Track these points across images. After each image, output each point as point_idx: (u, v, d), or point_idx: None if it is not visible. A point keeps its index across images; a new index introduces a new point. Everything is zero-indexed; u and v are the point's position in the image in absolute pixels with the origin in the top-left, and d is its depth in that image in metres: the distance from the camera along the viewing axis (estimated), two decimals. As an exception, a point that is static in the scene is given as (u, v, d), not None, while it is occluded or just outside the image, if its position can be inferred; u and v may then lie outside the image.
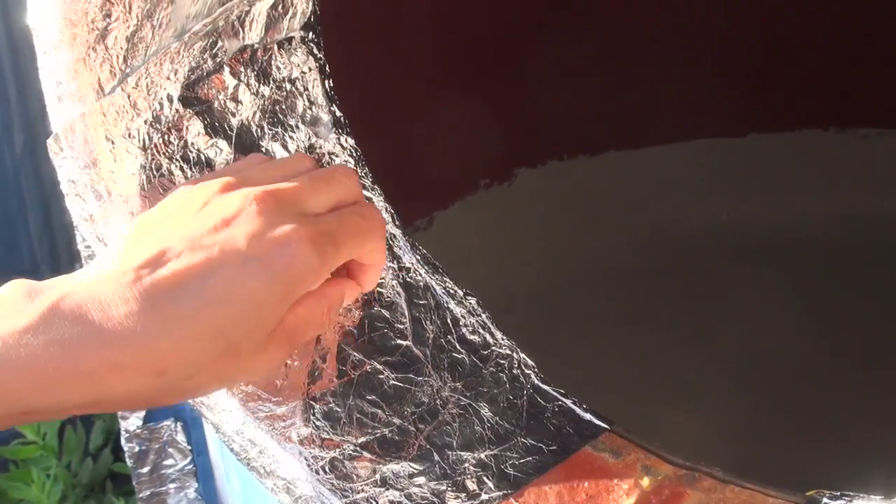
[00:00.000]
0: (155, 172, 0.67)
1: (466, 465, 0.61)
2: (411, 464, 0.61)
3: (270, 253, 0.55)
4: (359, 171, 0.69)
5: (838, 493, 0.58)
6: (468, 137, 1.26)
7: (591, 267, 1.36)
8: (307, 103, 0.69)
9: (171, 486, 0.98)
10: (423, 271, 0.66)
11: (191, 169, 0.67)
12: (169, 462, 0.97)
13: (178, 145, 0.67)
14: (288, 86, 0.68)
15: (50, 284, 0.53)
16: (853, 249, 1.38)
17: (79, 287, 0.53)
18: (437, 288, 0.66)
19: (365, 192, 0.68)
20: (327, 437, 0.62)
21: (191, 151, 0.67)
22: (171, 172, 0.67)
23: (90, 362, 0.51)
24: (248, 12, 0.67)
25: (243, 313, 0.54)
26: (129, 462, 0.96)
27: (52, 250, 1.60)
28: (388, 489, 0.60)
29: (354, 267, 0.62)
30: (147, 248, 0.55)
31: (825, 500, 0.58)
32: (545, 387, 0.64)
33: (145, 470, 0.97)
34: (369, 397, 0.64)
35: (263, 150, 0.68)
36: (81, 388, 0.52)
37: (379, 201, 0.68)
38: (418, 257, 0.66)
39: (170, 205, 0.58)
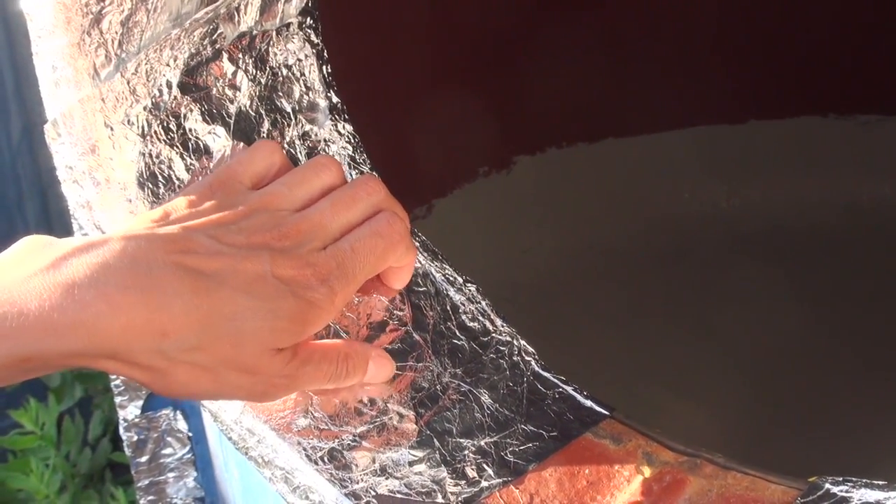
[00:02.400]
0: (154, 159, 0.66)
1: (466, 452, 0.61)
2: (411, 451, 0.61)
3: (290, 277, 0.56)
4: (357, 157, 0.68)
5: (840, 479, 0.57)
6: (467, 125, 1.26)
7: (591, 254, 1.36)
8: (304, 89, 0.68)
9: (170, 475, 0.97)
10: (422, 258, 0.66)
11: (190, 156, 0.66)
12: (168, 451, 0.96)
13: (177, 132, 0.67)
14: (285, 71, 0.68)
15: (66, 239, 0.53)
16: (853, 236, 1.37)
17: (100, 239, 0.53)
18: (437, 275, 0.66)
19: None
20: (326, 427, 0.62)
21: (189, 138, 0.67)
22: (170, 159, 0.66)
23: (98, 305, 0.51)
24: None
25: (258, 312, 0.55)
26: (127, 451, 0.96)
27: (50, 239, 1.59)
28: (387, 478, 0.60)
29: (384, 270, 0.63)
30: (175, 231, 0.55)
31: (827, 485, 0.57)
32: (545, 373, 0.63)
33: (144, 459, 0.96)
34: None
35: (262, 136, 0.68)
36: (83, 335, 0.51)
37: (377, 187, 0.67)
38: (417, 244, 0.66)
39: (197, 203, 0.58)
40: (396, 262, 0.62)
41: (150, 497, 0.98)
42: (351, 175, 0.68)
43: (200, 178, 0.66)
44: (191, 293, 0.53)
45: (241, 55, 0.67)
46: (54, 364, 0.52)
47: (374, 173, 0.68)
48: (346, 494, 0.60)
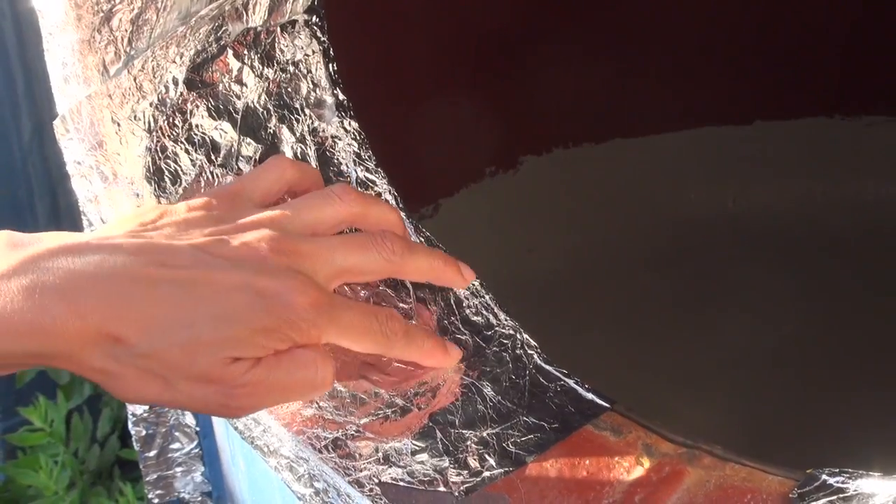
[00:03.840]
0: (160, 154, 0.67)
1: (468, 442, 0.61)
2: (413, 441, 0.61)
3: (267, 290, 0.55)
4: (363, 154, 0.69)
5: (837, 471, 0.58)
6: (474, 124, 1.26)
7: (597, 254, 1.36)
8: (311, 86, 0.69)
9: (178, 469, 0.98)
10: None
11: (196, 151, 0.67)
12: (175, 446, 0.97)
13: (183, 128, 0.67)
14: (292, 68, 0.69)
15: (37, 237, 0.54)
16: (859, 236, 1.38)
17: (71, 243, 0.54)
18: (441, 269, 0.67)
19: (368, 175, 0.68)
20: (330, 417, 0.63)
21: (196, 134, 0.67)
22: (176, 155, 0.67)
23: (56, 309, 0.52)
24: (252, -4, 0.68)
25: (219, 323, 0.54)
26: (135, 446, 0.97)
27: (60, 238, 1.60)
28: (390, 466, 0.61)
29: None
30: (156, 234, 0.56)
31: (824, 476, 0.58)
32: (548, 367, 0.64)
33: (152, 454, 0.97)
34: (374, 377, 0.64)
35: (269, 132, 0.68)
36: (40, 337, 0.52)
37: (383, 184, 0.68)
38: (422, 240, 0.67)
39: (195, 209, 0.59)
40: (400, 359, 0.62)
41: (159, 491, 0.99)
42: (358, 173, 0.68)
43: (204, 175, 0.67)
44: (150, 302, 0.53)
45: (246, 51, 0.68)
46: (15, 363, 0.53)
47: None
48: (349, 482, 0.60)
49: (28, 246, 0.53)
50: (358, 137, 0.69)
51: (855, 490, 0.57)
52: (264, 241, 0.57)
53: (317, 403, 0.63)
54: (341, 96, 0.69)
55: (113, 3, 0.66)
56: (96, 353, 0.53)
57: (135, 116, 0.67)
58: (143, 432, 0.97)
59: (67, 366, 0.54)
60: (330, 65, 0.70)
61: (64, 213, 1.59)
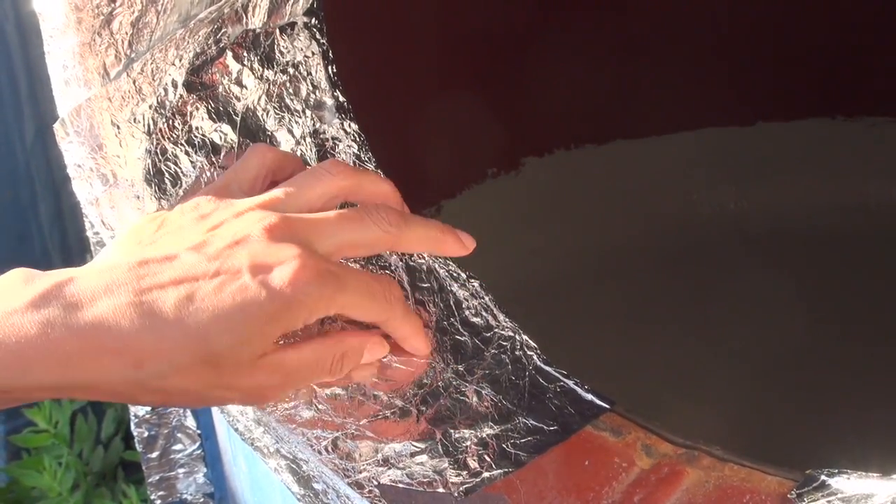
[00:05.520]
0: (160, 157, 0.67)
1: (468, 444, 0.61)
2: (413, 443, 0.62)
3: (268, 273, 0.55)
4: (363, 156, 0.69)
5: (836, 471, 0.58)
6: (475, 126, 1.26)
7: (598, 255, 1.36)
8: (311, 87, 0.69)
9: (180, 470, 0.98)
10: (426, 254, 0.67)
11: (196, 153, 0.67)
12: (178, 447, 0.97)
13: (182, 130, 0.67)
14: (291, 70, 0.69)
15: (49, 273, 0.55)
16: (860, 238, 1.38)
17: (77, 275, 0.55)
18: (440, 271, 0.67)
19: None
20: (329, 419, 0.63)
21: (196, 136, 0.68)
22: (175, 157, 0.67)
23: (70, 344, 0.52)
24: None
25: (229, 325, 0.54)
26: (138, 447, 0.97)
27: (63, 240, 1.61)
28: (389, 468, 0.61)
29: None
30: (153, 250, 0.56)
31: (822, 477, 0.58)
32: (547, 368, 0.64)
33: (154, 455, 0.97)
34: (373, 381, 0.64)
35: (269, 133, 0.69)
36: (58, 370, 0.52)
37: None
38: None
39: (188, 212, 0.59)
40: (392, 332, 0.62)
41: (161, 492, 0.99)
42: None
43: (204, 176, 0.67)
44: (162, 323, 0.54)
45: (245, 53, 0.68)
46: (35, 396, 0.54)
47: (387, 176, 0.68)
48: (349, 484, 0.61)
49: (39, 280, 0.54)
50: (358, 139, 0.69)
51: (853, 490, 0.57)
52: (255, 225, 0.57)
53: (316, 406, 0.63)
54: (341, 98, 0.69)
55: (113, 6, 0.66)
56: (118, 380, 0.54)
57: (134, 119, 0.67)
58: (146, 434, 0.97)
59: (89, 395, 0.55)
60: (329, 67, 0.70)
61: (67, 215, 1.60)
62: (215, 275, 0.55)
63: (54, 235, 1.58)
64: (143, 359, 0.54)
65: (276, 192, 0.60)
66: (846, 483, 0.58)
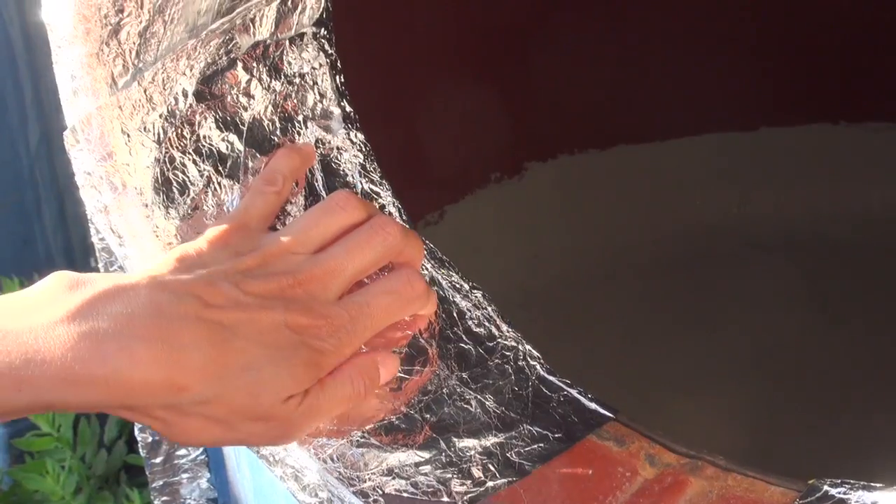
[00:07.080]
0: (169, 165, 0.68)
1: (472, 453, 0.62)
2: (417, 452, 0.62)
3: (300, 324, 0.57)
4: (368, 166, 0.69)
5: (839, 481, 0.58)
6: (478, 132, 1.27)
7: (602, 260, 1.37)
8: (318, 97, 0.70)
9: (184, 475, 0.98)
10: (429, 265, 0.67)
11: (203, 162, 0.68)
12: (181, 452, 0.97)
13: (191, 139, 0.68)
14: (298, 80, 0.69)
15: (93, 278, 0.54)
16: (862, 242, 1.38)
17: (127, 285, 0.54)
18: (443, 282, 0.67)
19: (372, 187, 0.69)
20: (335, 428, 0.63)
21: (203, 145, 0.68)
22: (183, 165, 0.68)
23: (118, 360, 0.52)
24: (260, 9, 0.68)
25: (271, 362, 0.56)
26: (142, 452, 0.97)
27: (67, 244, 1.61)
28: (394, 478, 0.61)
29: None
30: (200, 279, 0.56)
31: (826, 487, 0.58)
32: (551, 378, 0.64)
33: (158, 460, 0.97)
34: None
35: (276, 143, 0.69)
36: (102, 389, 0.52)
37: (387, 196, 0.69)
38: (425, 252, 0.67)
39: (217, 245, 0.60)
40: (418, 311, 0.63)
41: (165, 497, 0.99)
42: (362, 185, 0.69)
43: (210, 187, 0.67)
44: (208, 345, 0.54)
45: (255, 64, 0.68)
46: (74, 409, 0.54)
47: (385, 182, 0.68)
48: (354, 493, 0.61)
49: (84, 287, 0.53)
50: (364, 149, 0.70)
51: (857, 501, 0.57)
52: (285, 277, 0.58)
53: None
54: (348, 108, 0.70)
55: (121, 16, 0.66)
56: (158, 403, 0.54)
57: (144, 128, 0.67)
58: (150, 438, 0.97)
59: (127, 415, 0.55)
60: (337, 77, 0.70)
61: (71, 221, 1.60)
62: (254, 314, 0.56)
63: (58, 240, 1.58)
64: (188, 384, 0.54)
65: (296, 234, 0.61)
66: (850, 494, 0.58)
